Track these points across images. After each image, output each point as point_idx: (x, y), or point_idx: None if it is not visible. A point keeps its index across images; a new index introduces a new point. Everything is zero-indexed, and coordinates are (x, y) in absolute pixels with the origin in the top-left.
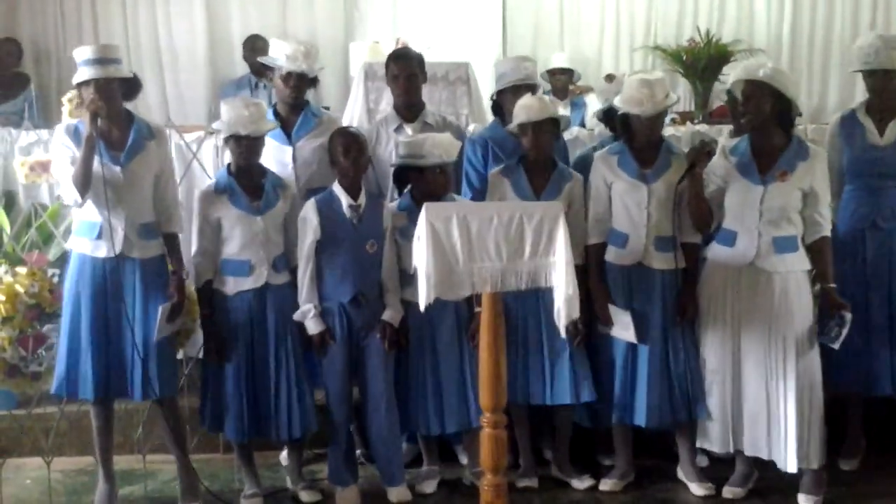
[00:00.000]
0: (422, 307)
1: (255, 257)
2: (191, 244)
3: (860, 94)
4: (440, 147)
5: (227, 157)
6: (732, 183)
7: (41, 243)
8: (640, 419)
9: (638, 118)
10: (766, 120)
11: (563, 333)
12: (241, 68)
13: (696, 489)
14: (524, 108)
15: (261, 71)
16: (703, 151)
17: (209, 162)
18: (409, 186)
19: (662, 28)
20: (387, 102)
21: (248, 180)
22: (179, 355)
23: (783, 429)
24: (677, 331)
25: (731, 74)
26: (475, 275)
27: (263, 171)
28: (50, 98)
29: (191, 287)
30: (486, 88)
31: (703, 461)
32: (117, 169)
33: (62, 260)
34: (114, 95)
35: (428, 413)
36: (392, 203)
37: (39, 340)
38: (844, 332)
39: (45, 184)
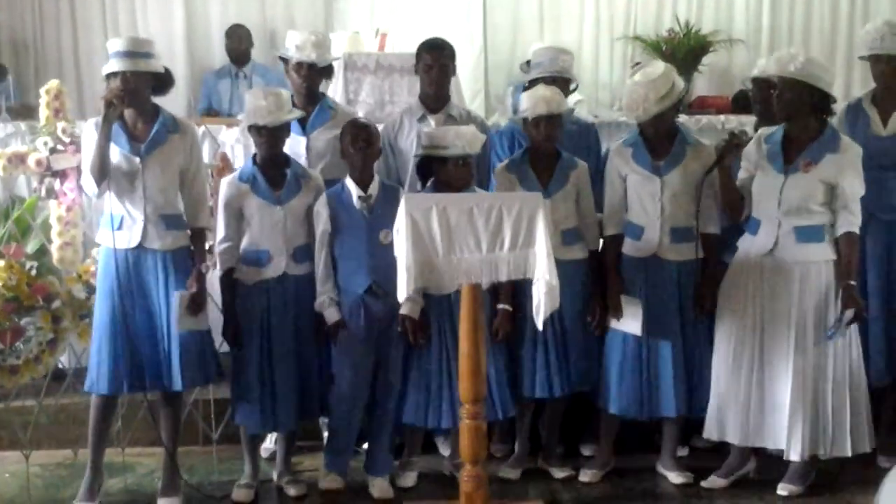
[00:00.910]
0: (400, 299)
1: (273, 247)
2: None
3: (839, 84)
4: (463, 139)
5: (207, 146)
6: (759, 171)
7: (19, 236)
8: (668, 410)
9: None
10: (800, 112)
11: (539, 324)
12: (220, 59)
13: (675, 478)
14: (543, 101)
15: (241, 60)
16: (732, 143)
17: None
18: (431, 179)
19: (642, 18)
20: (367, 93)
21: (271, 170)
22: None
23: (786, 417)
24: (692, 324)
25: (760, 64)
26: (455, 267)
27: (287, 161)
28: (28, 90)
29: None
30: (466, 78)
31: (682, 451)
32: (136, 160)
33: (40, 253)
34: (139, 88)
35: (440, 407)
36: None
37: (17, 333)
38: (840, 332)
39: (22, 176)
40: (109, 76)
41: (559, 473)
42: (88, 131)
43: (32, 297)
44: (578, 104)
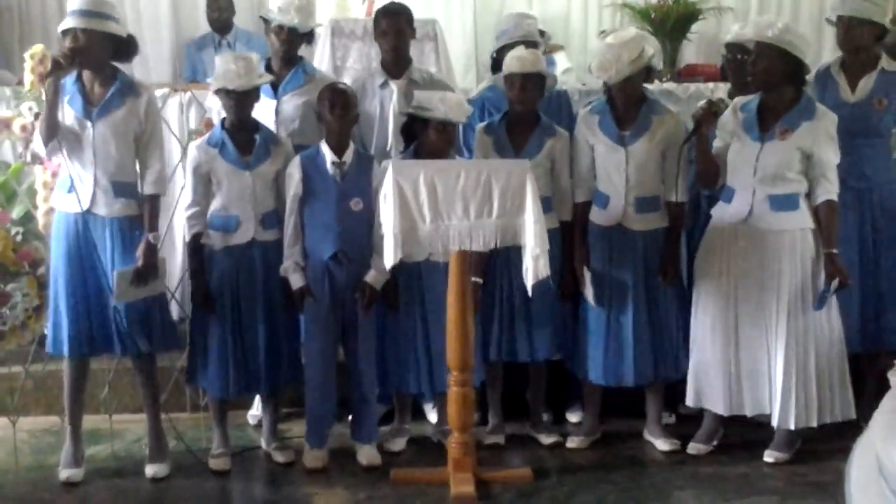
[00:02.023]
0: (387, 266)
1: (242, 212)
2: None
3: (828, 54)
4: (447, 104)
5: (193, 114)
6: (735, 139)
7: (4, 202)
8: (627, 380)
9: (611, 84)
10: (775, 79)
11: (530, 291)
12: (205, 26)
13: (662, 445)
14: (516, 60)
15: (223, 29)
16: (709, 111)
17: (174, 119)
18: (413, 144)
19: None
20: (354, 59)
21: (240, 135)
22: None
23: (776, 387)
24: (659, 292)
25: (734, 30)
26: (442, 233)
27: (257, 126)
28: (12, 55)
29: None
30: (454, 46)
31: (669, 419)
32: (88, 123)
33: (26, 219)
34: (93, 48)
35: (418, 373)
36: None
37: (3, 300)
38: (825, 298)
39: (7, 142)
40: (63, 34)
41: (546, 440)
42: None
43: (18, 264)
44: (567, 72)
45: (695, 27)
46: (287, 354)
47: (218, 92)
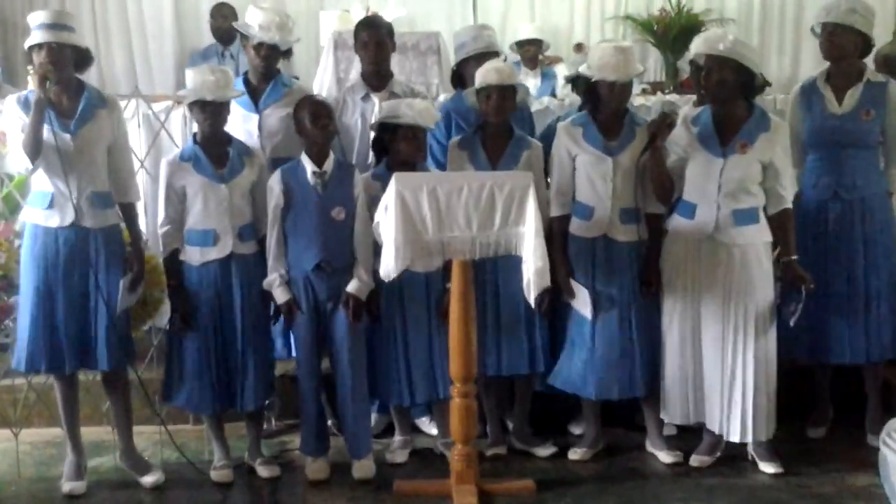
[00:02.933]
0: (389, 277)
1: (219, 226)
2: (157, 214)
3: None
4: (414, 109)
5: (195, 126)
6: (693, 154)
7: (8, 213)
8: (611, 393)
9: (608, 86)
10: (729, 92)
11: (532, 303)
12: (209, 37)
13: (664, 457)
14: (492, 71)
15: (227, 39)
16: (664, 123)
17: (177, 132)
18: (384, 159)
19: None
20: (356, 71)
21: (213, 148)
22: (146, 327)
23: (738, 401)
24: (642, 303)
25: (693, 45)
26: (445, 244)
27: (229, 139)
28: (16, 68)
29: (155, 257)
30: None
31: (671, 430)
32: (67, 136)
33: None
34: (64, 62)
35: (399, 384)
36: (366, 172)
37: (6, 311)
38: (800, 308)
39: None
40: (33, 49)
41: (542, 452)
42: (11, 107)
43: None
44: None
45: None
46: (267, 370)
47: (193, 104)
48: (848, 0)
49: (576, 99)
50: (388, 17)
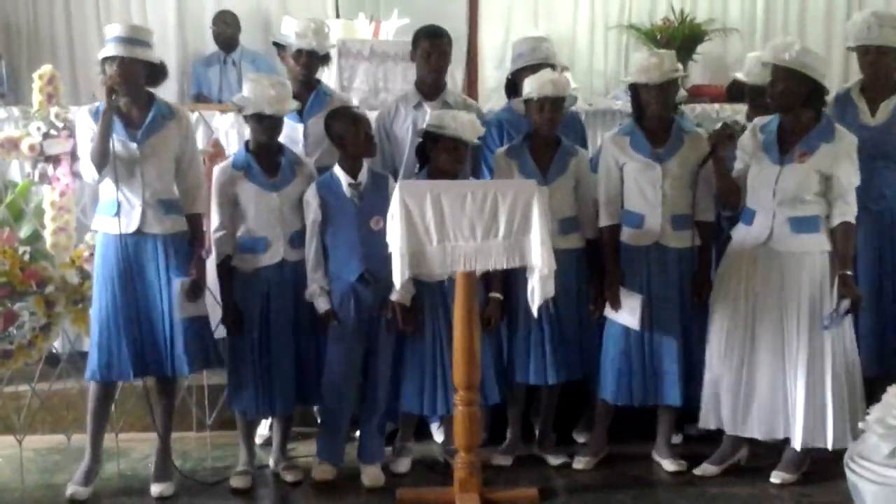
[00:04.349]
0: (397, 285)
1: (271, 234)
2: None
3: (836, 74)
4: (458, 121)
5: (201, 133)
6: (755, 161)
7: (12, 221)
8: (674, 398)
9: (647, 90)
10: (793, 101)
11: (535, 312)
12: (212, 45)
13: (669, 465)
14: (550, 83)
15: (229, 47)
16: (724, 134)
17: None
18: (426, 166)
19: (637, 7)
20: (360, 80)
21: (265, 157)
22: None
23: (794, 408)
24: (689, 311)
25: (748, 63)
26: (448, 254)
27: (281, 149)
28: (21, 75)
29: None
30: (458, 67)
31: (676, 439)
32: (134, 146)
33: (33, 238)
34: (135, 75)
35: (434, 394)
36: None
37: (10, 319)
38: (836, 321)
39: (15, 161)
40: (106, 60)
41: (554, 461)
42: (83, 118)
43: (26, 283)
44: (574, 92)
45: (700, 48)
46: (311, 375)
47: (250, 116)
48: (879, 17)
49: (582, 106)
50: (392, 26)
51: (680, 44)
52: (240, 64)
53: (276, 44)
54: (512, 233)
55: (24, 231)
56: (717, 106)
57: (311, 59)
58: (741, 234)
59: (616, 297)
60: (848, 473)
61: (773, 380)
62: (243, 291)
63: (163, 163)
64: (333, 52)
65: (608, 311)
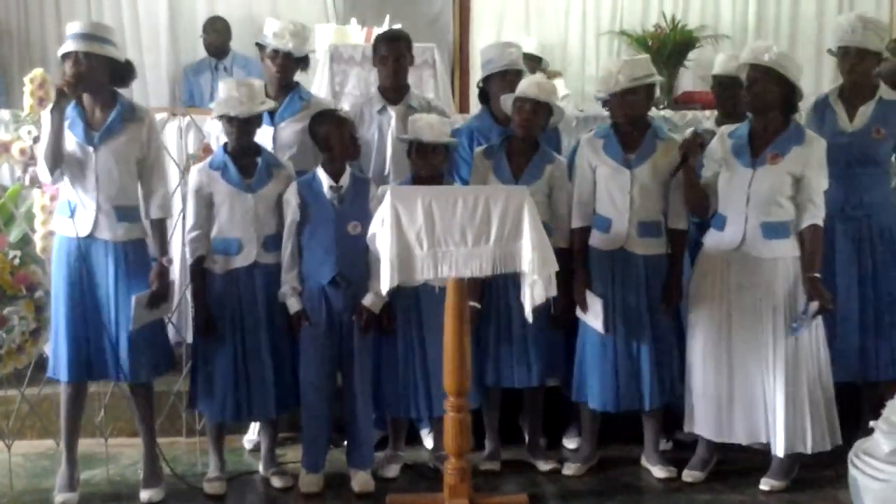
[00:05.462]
0: (383, 292)
1: (244, 235)
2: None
3: (827, 81)
4: (417, 125)
5: (192, 138)
6: (725, 167)
7: (2, 225)
8: (642, 403)
9: (611, 98)
10: (769, 104)
11: (529, 317)
12: (203, 51)
13: (658, 472)
14: (535, 85)
15: (220, 53)
16: (695, 143)
17: (172, 144)
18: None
19: (628, 13)
20: (353, 85)
21: (241, 158)
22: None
23: (774, 414)
24: (658, 317)
25: (719, 60)
26: (439, 260)
27: (258, 150)
28: (12, 78)
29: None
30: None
31: (666, 445)
32: (90, 148)
33: (23, 242)
34: (93, 72)
35: (417, 398)
36: (386, 185)
37: (0, 323)
38: (804, 324)
39: (5, 165)
40: (64, 58)
41: (544, 466)
42: (46, 118)
43: (15, 287)
44: (565, 98)
45: (692, 55)
46: (289, 379)
47: (221, 118)
48: (864, 21)
49: (572, 112)
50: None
51: (671, 51)
52: (231, 69)
53: (258, 45)
54: (503, 238)
55: (14, 235)
56: (707, 113)
57: (287, 61)
58: (714, 240)
59: (583, 298)
60: (850, 468)
61: (751, 384)
62: (215, 293)
63: (121, 166)
64: (324, 57)
65: (579, 313)
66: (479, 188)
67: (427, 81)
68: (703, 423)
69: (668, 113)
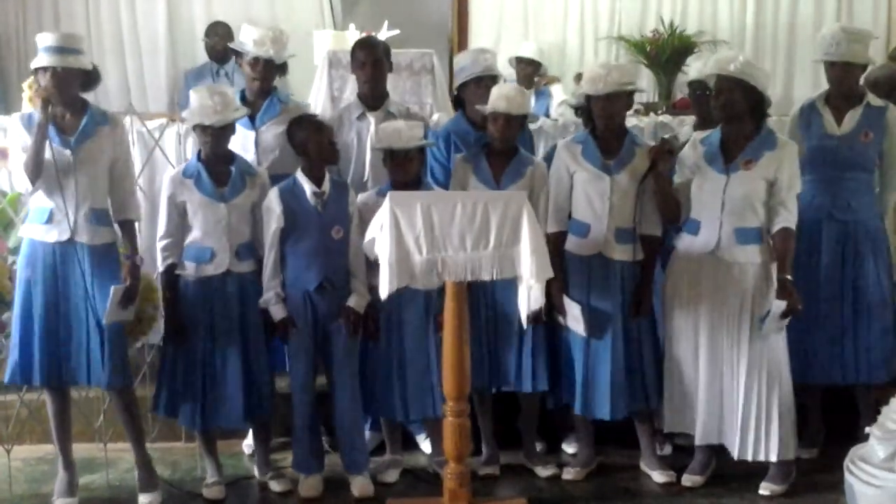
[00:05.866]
0: (383, 296)
1: (217, 244)
2: (155, 230)
3: (825, 85)
4: (385, 132)
5: (191, 144)
6: (698, 173)
7: (1, 230)
8: (603, 412)
9: (595, 100)
10: (738, 113)
11: (525, 322)
12: (203, 56)
13: (658, 476)
14: (504, 100)
15: (221, 58)
16: (663, 149)
17: (171, 149)
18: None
19: (627, 18)
20: (351, 90)
21: (215, 166)
22: (139, 344)
23: (736, 418)
24: (635, 321)
25: (695, 67)
26: (438, 264)
27: (232, 158)
28: (10, 84)
29: (150, 275)
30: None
31: (667, 450)
32: (67, 152)
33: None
34: (70, 84)
35: (393, 399)
36: (369, 191)
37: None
38: (768, 321)
39: (4, 170)
40: (38, 71)
41: (543, 472)
42: (14, 126)
43: (14, 292)
44: (563, 104)
45: (689, 60)
46: (260, 386)
47: (194, 127)
48: (847, 33)
49: (570, 119)
50: (381, 37)
51: (669, 56)
52: (233, 75)
53: (234, 50)
54: (502, 243)
55: (13, 241)
56: None
57: (268, 68)
58: (687, 244)
59: (560, 303)
60: (846, 475)
61: (721, 389)
62: (186, 300)
63: (97, 170)
64: (322, 63)
65: (560, 319)
66: (477, 193)
67: (425, 87)
68: (689, 424)
69: (666, 118)
